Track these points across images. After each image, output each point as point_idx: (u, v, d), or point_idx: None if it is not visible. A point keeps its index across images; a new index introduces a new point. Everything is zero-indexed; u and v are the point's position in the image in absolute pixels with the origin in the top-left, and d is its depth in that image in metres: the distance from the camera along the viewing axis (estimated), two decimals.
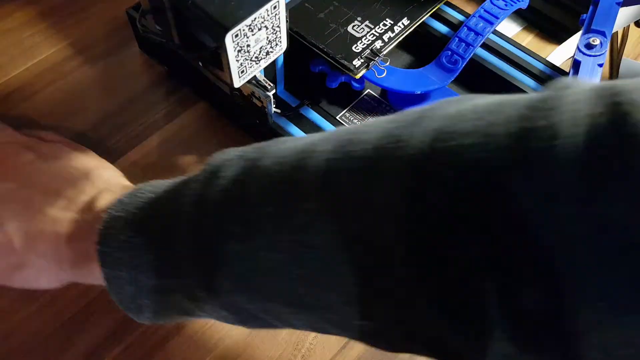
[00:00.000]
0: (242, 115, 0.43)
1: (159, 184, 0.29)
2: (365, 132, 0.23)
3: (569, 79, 0.22)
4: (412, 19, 0.42)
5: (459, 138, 0.20)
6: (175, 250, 0.26)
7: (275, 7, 0.31)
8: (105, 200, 0.31)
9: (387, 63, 0.42)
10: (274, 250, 0.23)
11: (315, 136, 0.25)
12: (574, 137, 0.18)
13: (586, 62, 0.40)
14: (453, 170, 0.19)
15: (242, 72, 0.33)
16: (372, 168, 0.21)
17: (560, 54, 0.50)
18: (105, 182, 0.33)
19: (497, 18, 0.43)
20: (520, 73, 0.43)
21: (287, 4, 0.33)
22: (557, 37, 0.51)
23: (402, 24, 0.42)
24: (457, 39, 0.43)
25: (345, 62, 0.39)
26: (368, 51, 0.40)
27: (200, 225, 0.25)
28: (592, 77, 0.39)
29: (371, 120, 0.24)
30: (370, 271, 0.21)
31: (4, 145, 0.35)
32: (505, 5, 0.44)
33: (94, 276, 0.29)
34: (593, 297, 0.18)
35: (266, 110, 0.39)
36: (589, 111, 0.18)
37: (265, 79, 0.37)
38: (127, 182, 0.35)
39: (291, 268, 0.23)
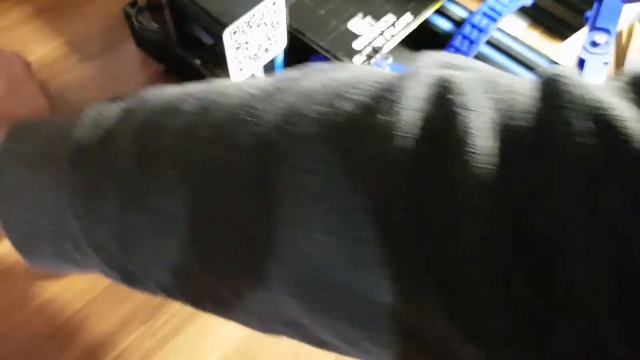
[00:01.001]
0: None
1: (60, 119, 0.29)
2: (228, 94, 0.23)
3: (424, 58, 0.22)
4: (415, 15, 0.41)
5: (304, 126, 0.20)
6: (59, 195, 0.25)
7: (274, 4, 0.31)
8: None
9: (389, 60, 0.41)
10: (139, 212, 0.23)
11: (188, 88, 0.25)
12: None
13: (591, 60, 0.39)
14: (295, 160, 0.19)
15: (241, 69, 0.33)
16: (225, 140, 0.21)
17: (565, 52, 0.49)
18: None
19: (501, 15, 0.42)
20: (524, 70, 0.43)
21: (286, 0, 0.33)
22: (561, 34, 0.50)
23: (405, 20, 0.41)
24: (460, 35, 0.42)
25: (346, 60, 0.39)
26: (369, 48, 0.40)
27: (80, 176, 0.24)
28: (598, 75, 0.38)
29: (240, 81, 0.24)
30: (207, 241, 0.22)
31: None
32: (509, 2, 0.43)
33: None
34: None
35: None
36: (425, 115, 0.18)
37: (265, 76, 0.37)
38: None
39: (159, 229, 0.23)
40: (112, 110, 0.25)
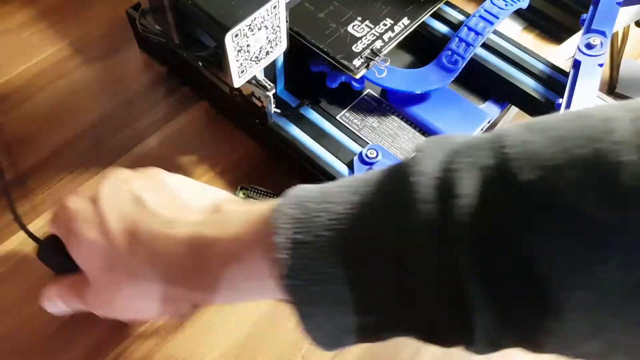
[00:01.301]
0: (242, 115, 0.43)
1: (329, 192, 0.24)
2: None
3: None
4: (412, 19, 0.42)
5: None
6: (411, 288, 0.21)
7: (275, 7, 0.31)
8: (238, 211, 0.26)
9: (387, 63, 0.42)
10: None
11: (559, 121, 0.20)
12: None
13: (586, 62, 0.40)
14: None
15: (242, 72, 0.33)
16: None
17: (561, 54, 0.50)
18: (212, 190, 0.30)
19: (497, 18, 0.43)
20: (520, 73, 0.43)
21: (287, 4, 0.33)
22: (557, 36, 0.51)
23: (403, 23, 0.42)
24: (457, 38, 0.43)
25: (345, 62, 0.39)
26: (368, 51, 0.40)
27: (452, 264, 0.20)
28: (592, 77, 0.39)
29: None
30: None
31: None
32: (506, 5, 0.44)
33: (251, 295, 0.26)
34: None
35: (266, 110, 0.39)
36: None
37: (265, 78, 0.37)
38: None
39: None
40: (458, 177, 0.20)
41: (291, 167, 0.42)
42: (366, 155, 0.38)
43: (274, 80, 0.41)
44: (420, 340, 0.23)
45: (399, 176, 0.22)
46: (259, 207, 0.26)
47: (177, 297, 0.27)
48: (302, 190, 0.24)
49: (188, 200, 0.28)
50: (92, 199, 0.29)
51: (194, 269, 0.26)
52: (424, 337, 0.22)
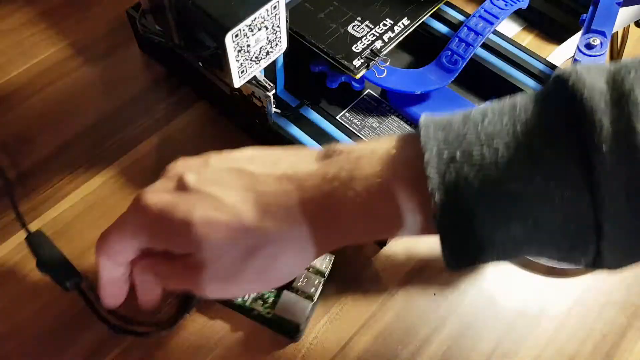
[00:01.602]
0: (242, 115, 0.43)
1: (469, 115, 0.23)
2: None
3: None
4: (412, 19, 0.42)
5: None
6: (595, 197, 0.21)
7: (275, 7, 0.31)
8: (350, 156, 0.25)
9: (387, 63, 0.42)
10: None
11: None
12: None
13: (586, 62, 0.40)
14: None
15: (242, 72, 0.33)
16: None
17: (560, 54, 0.50)
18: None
19: (497, 18, 0.43)
20: (520, 73, 0.43)
21: (287, 4, 0.33)
22: (557, 37, 0.51)
23: (402, 24, 0.42)
24: (457, 39, 0.43)
25: (345, 62, 0.39)
26: (368, 51, 0.40)
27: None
28: None
29: None
30: None
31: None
32: (505, 5, 0.44)
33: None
34: None
35: (266, 110, 0.39)
36: None
37: (265, 79, 0.37)
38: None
39: None
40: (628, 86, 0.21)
41: None
42: None
43: (274, 80, 0.41)
44: (559, 257, 0.23)
45: (559, 95, 0.22)
46: (387, 141, 0.25)
47: (316, 244, 0.26)
48: (437, 117, 0.24)
49: (292, 157, 0.27)
50: (180, 188, 0.27)
51: (333, 211, 0.25)
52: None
